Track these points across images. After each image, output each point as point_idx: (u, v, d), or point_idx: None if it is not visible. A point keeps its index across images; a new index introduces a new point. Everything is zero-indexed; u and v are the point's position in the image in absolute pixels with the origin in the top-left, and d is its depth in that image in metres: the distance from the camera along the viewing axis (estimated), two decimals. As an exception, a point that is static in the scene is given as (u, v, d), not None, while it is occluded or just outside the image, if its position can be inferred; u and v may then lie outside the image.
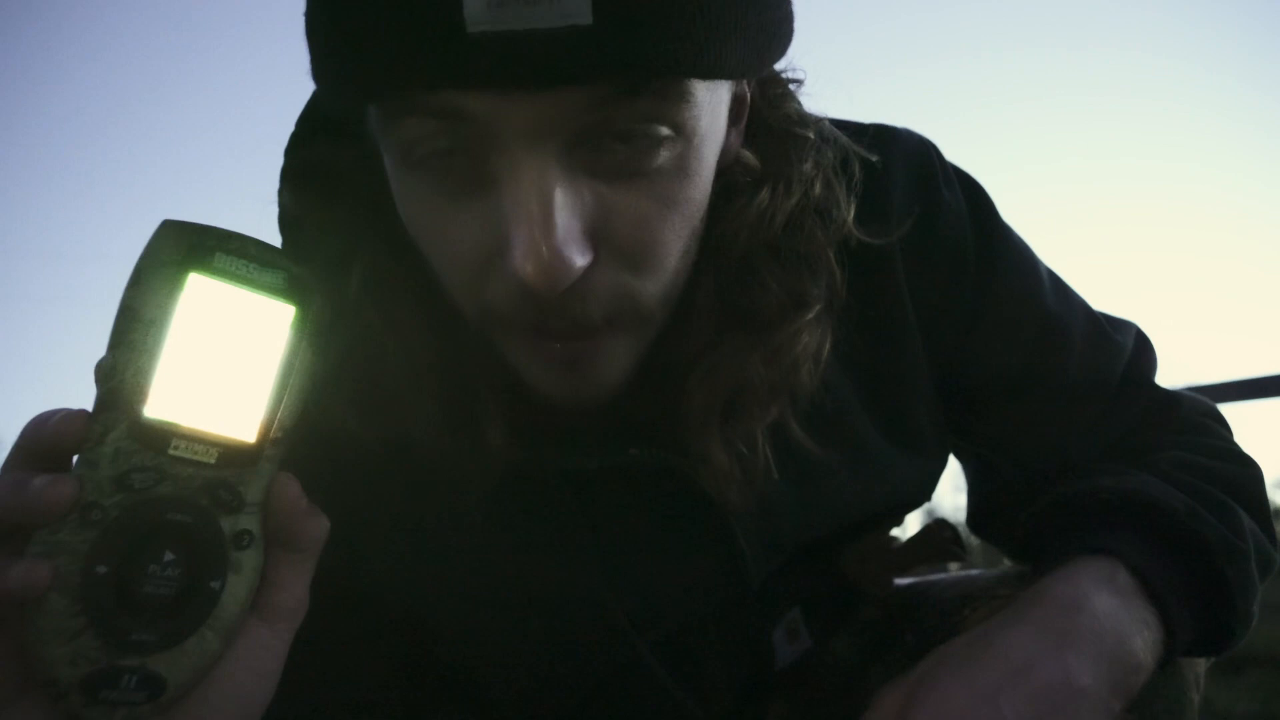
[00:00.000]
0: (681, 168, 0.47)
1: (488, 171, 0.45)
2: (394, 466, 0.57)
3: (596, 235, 0.45)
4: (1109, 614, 0.52)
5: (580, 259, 0.44)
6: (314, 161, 0.55)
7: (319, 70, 0.46)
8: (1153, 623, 0.54)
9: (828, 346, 0.56)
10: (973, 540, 0.74)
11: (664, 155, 0.46)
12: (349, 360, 0.52)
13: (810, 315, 0.54)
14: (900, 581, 0.79)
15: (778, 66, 0.55)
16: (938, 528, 0.75)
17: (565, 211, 0.43)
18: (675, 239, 0.48)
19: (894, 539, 0.76)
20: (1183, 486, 0.59)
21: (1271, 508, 0.65)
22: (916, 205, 0.62)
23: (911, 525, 0.80)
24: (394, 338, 0.53)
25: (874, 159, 0.60)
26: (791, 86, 0.58)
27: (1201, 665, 0.64)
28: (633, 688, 0.63)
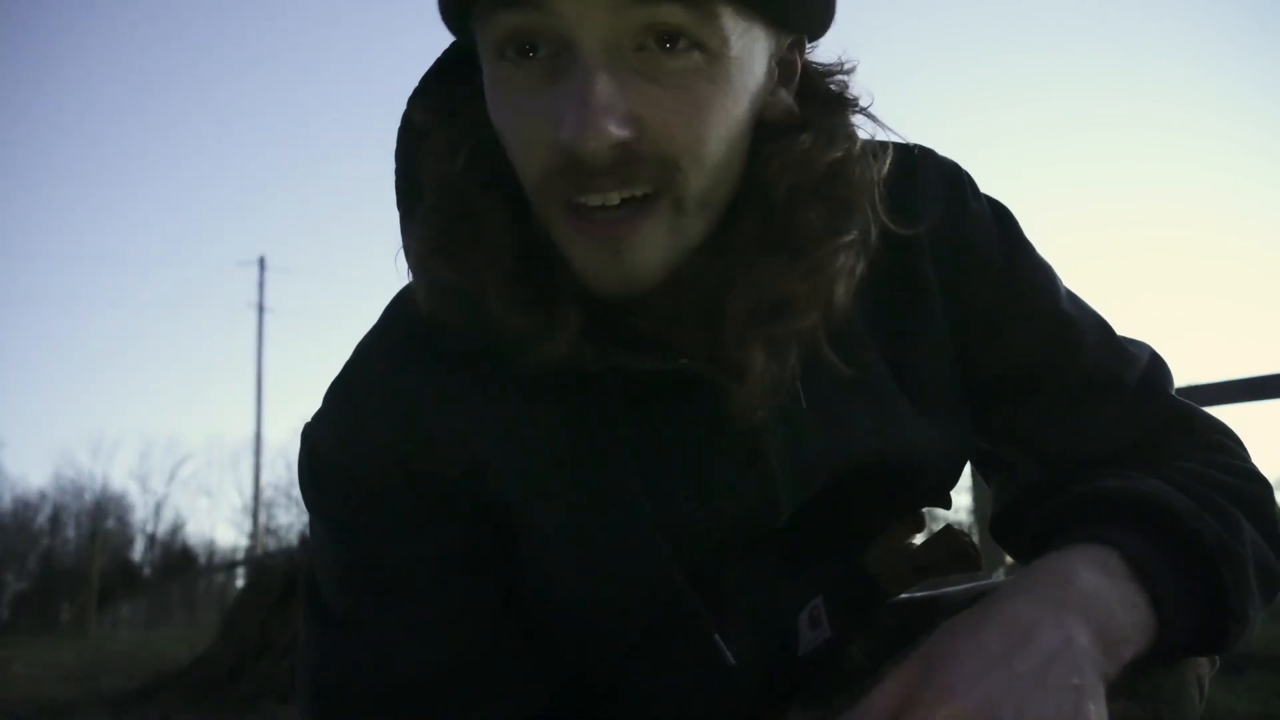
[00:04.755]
0: (711, 78, 0.56)
1: (555, 67, 0.56)
2: (481, 361, 0.65)
3: (637, 119, 0.55)
4: (1096, 588, 0.55)
5: (615, 128, 0.54)
6: (439, 95, 0.66)
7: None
8: (1142, 605, 0.56)
9: (861, 268, 0.62)
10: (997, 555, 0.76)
11: (692, 62, 0.55)
12: (439, 213, 0.61)
13: (847, 239, 0.60)
14: (918, 594, 0.81)
15: (835, 57, 0.66)
16: (954, 533, 0.77)
17: (606, 94, 0.54)
18: (710, 135, 0.57)
19: (913, 541, 0.78)
20: (1190, 493, 0.61)
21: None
22: (947, 210, 0.70)
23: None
24: (480, 217, 0.61)
25: (911, 156, 0.69)
26: (844, 76, 0.66)
27: (1205, 666, 0.65)
28: (677, 639, 0.67)
